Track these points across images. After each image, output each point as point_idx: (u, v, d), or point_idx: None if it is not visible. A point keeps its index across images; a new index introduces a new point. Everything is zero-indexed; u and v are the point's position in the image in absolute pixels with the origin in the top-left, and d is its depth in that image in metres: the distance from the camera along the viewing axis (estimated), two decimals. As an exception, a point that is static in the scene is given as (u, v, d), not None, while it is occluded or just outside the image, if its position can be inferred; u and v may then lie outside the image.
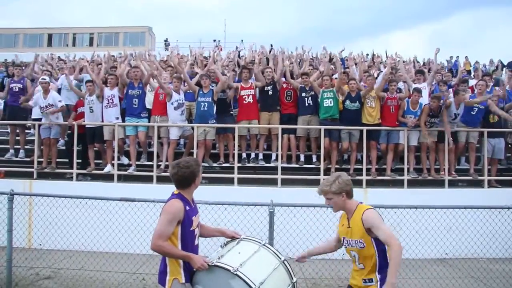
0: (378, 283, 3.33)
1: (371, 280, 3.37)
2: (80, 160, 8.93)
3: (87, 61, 12.00)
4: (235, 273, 3.06)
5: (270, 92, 9.13)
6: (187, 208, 3.34)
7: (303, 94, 9.02)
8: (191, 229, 3.38)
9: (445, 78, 10.93)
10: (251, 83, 9.15)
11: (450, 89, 9.70)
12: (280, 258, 3.36)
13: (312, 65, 11.44)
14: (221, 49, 27.73)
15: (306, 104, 8.99)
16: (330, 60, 12.24)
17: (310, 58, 12.92)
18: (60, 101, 8.89)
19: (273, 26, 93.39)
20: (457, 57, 20.55)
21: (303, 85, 9.03)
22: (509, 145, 9.27)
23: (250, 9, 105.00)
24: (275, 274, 3.25)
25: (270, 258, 3.35)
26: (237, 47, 25.42)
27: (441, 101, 8.45)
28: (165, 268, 3.34)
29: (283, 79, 9.33)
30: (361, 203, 3.48)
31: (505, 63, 17.38)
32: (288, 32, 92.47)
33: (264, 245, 3.42)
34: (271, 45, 19.90)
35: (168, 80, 9.01)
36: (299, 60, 12.43)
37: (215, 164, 8.87)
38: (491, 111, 8.62)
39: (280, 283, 3.28)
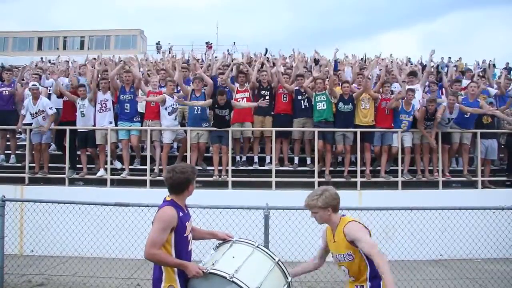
0: None
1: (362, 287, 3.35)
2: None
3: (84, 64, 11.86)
4: (231, 279, 3.03)
5: (266, 97, 9.08)
6: (181, 214, 3.29)
7: (299, 97, 8.99)
8: (185, 235, 3.33)
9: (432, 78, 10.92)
10: (246, 86, 9.15)
11: (443, 97, 9.73)
12: (274, 259, 3.33)
13: (306, 68, 11.40)
14: (210, 47, 27.66)
15: (302, 107, 8.97)
16: (316, 62, 12.23)
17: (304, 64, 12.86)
18: (50, 108, 8.75)
19: (265, 27, 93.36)
20: (449, 57, 20.67)
21: (297, 87, 9.03)
22: (502, 146, 9.33)
23: (242, 11, 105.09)
24: (270, 276, 3.23)
25: (265, 260, 3.32)
26: (228, 50, 25.30)
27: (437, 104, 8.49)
28: (160, 275, 3.28)
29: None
30: (343, 215, 3.44)
31: (497, 64, 17.49)
32: (280, 33, 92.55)
33: (257, 247, 3.38)
34: (266, 49, 19.84)
35: (158, 84, 9.04)
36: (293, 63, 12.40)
37: (209, 168, 8.83)
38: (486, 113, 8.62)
39: (276, 284, 3.27)
